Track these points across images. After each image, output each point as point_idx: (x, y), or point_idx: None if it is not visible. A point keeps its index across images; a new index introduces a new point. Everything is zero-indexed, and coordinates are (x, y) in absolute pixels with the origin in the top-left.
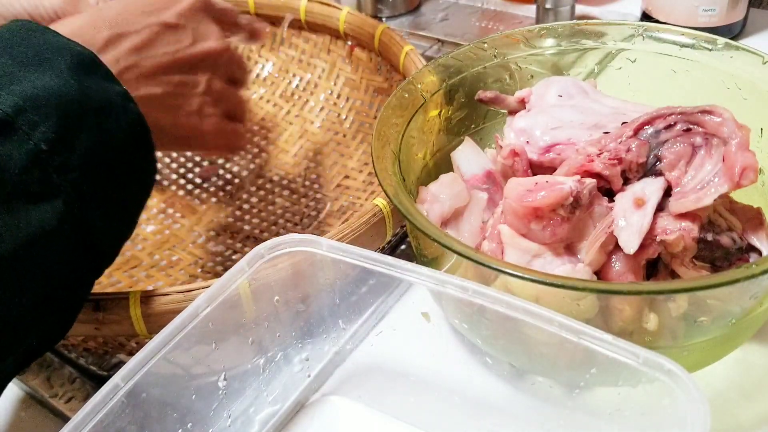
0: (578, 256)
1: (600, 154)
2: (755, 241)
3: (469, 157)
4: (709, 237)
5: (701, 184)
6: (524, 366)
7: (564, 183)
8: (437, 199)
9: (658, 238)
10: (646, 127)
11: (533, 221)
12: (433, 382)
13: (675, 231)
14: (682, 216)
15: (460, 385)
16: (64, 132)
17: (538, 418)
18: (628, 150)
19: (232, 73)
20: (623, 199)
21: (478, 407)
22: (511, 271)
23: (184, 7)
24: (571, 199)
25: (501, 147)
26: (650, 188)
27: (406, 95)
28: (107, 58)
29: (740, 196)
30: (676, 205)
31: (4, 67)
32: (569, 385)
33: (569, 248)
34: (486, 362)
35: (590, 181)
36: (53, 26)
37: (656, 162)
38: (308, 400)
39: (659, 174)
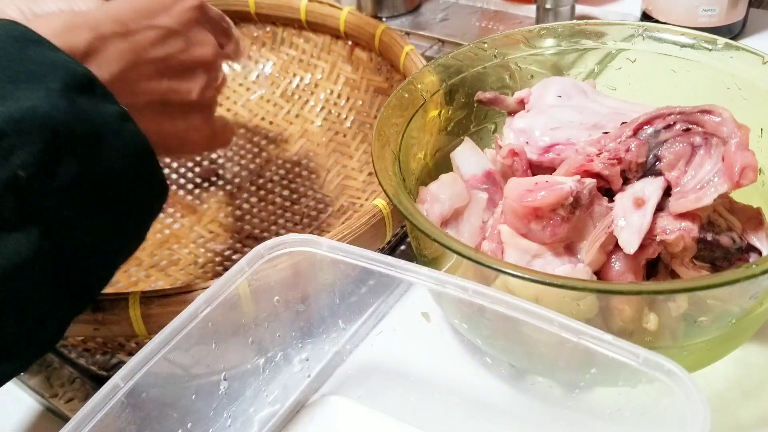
0: (578, 256)
1: (599, 154)
2: (755, 241)
3: (468, 158)
4: (709, 237)
5: (701, 183)
6: (524, 366)
7: (564, 183)
8: (437, 199)
9: (658, 238)
10: (646, 127)
11: (533, 221)
12: (433, 382)
13: (675, 231)
14: (682, 216)
15: (460, 385)
16: (46, 158)
17: (538, 418)
18: (628, 150)
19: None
20: (623, 199)
21: (478, 407)
22: (511, 271)
23: (178, 12)
24: (571, 199)
25: (500, 147)
26: (650, 188)
27: (406, 95)
28: (93, 65)
29: (740, 196)
30: (675, 205)
31: None
32: (569, 385)
33: (569, 248)
34: (486, 362)
35: (590, 181)
36: (35, 23)
37: (656, 162)
38: (308, 400)
39: (659, 174)
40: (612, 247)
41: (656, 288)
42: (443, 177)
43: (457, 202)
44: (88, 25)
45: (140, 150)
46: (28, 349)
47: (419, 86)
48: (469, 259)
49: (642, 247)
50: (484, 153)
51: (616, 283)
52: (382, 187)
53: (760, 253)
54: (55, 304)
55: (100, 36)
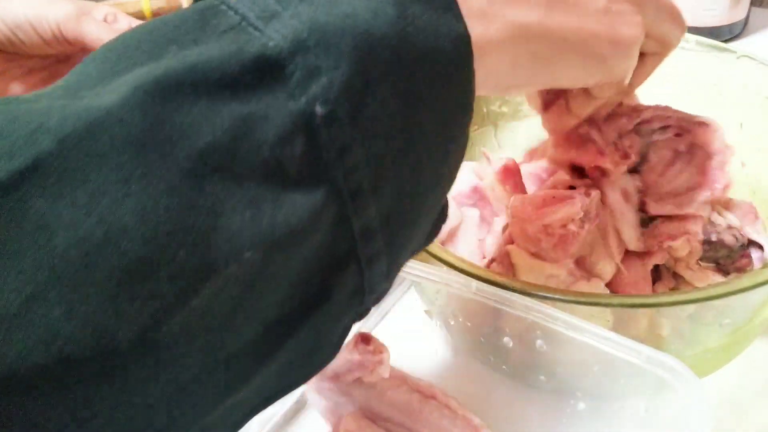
0: (589, 271)
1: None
2: (754, 235)
3: None
4: (713, 237)
5: (676, 191)
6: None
7: (572, 197)
8: None
9: (665, 245)
10: (646, 125)
11: (544, 239)
12: (435, 381)
13: (680, 236)
14: (685, 219)
15: (462, 384)
16: (358, 89)
17: (539, 416)
18: (631, 146)
19: None
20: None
21: (479, 406)
22: (545, 294)
23: None
24: (581, 213)
25: (489, 160)
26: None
27: None
28: None
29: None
30: (654, 207)
31: None
32: (571, 384)
33: (579, 263)
34: (488, 360)
35: (596, 193)
36: None
37: (640, 162)
38: (309, 400)
39: (635, 171)
40: (621, 257)
41: (684, 298)
42: None
43: (451, 222)
44: None
45: (466, 106)
46: (295, 350)
47: None
48: (498, 285)
49: (649, 254)
50: (470, 166)
51: (641, 296)
52: None
53: (761, 246)
54: (333, 294)
55: None
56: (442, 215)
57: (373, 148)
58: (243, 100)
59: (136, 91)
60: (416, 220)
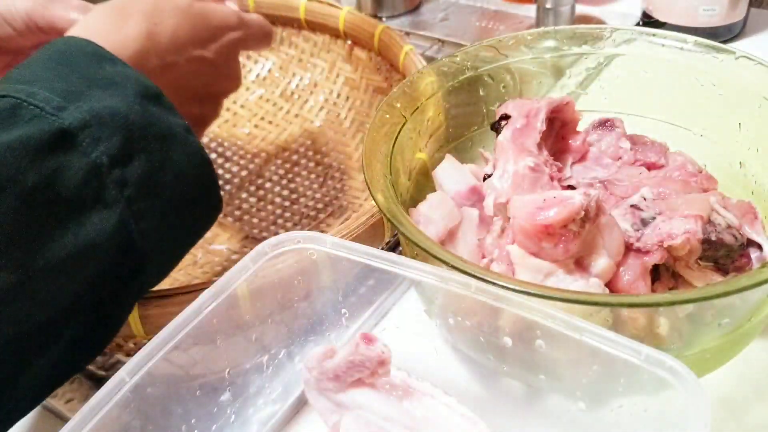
0: (589, 270)
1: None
2: (753, 235)
3: (451, 174)
4: (713, 237)
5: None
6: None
7: (573, 197)
8: (430, 220)
9: (665, 244)
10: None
11: (545, 239)
12: (435, 380)
13: (680, 235)
14: (685, 218)
15: (461, 384)
16: (125, 150)
17: (539, 416)
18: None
19: None
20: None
21: (480, 405)
22: (539, 293)
23: (225, 43)
24: (582, 213)
25: (487, 161)
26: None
27: (387, 116)
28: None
29: (723, 191)
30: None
31: (75, 84)
32: (571, 383)
33: (579, 263)
34: (488, 360)
35: (595, 193)
36: (115, 46)
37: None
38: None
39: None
40: (621, 258)
41: (683, 297)
42: (431, 197)
43: (451, 222)
44: (158, 51)
45: (202, 162)
46: (86, 329)
47: (398, 105)
48: (495, 284)
49: (648, 253)
50: (466, 168)
51: (642, 295)
52: (392, 223)
53: (760, 247)
54: (122, 291)
55: (164, 65)
56: (209, 210)
57: (144, 184)
58: (52, 159)
59: None
60: (180, 225)
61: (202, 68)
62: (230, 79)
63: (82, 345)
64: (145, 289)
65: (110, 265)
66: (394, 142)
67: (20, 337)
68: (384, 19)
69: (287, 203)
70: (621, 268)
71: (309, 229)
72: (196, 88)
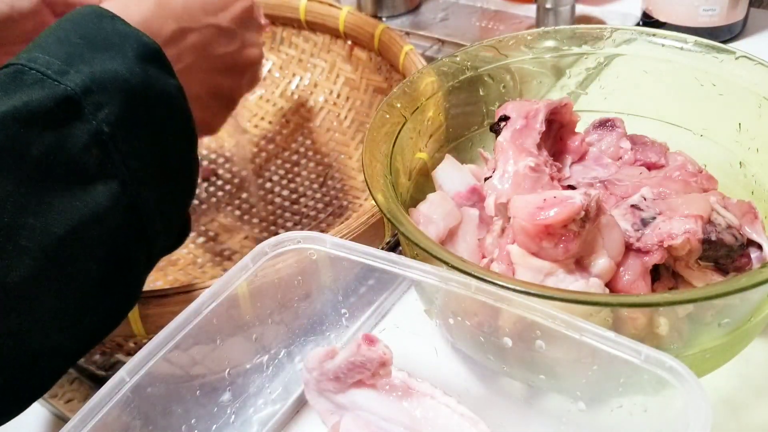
0: (589, 270)
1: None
2: (753, 235)
3: (451, 175)
4: (713, 237)
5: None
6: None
7: (573, 197)
8: (431, 220)
9: (665, 244)
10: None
11: (545, 239)
12: (435, 379)
13: (680, 235)
14: (685, 218)
15: (461, 384)
16: (126, 116)
17: (539, 416)
18: None
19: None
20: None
21: (480, 405)
22: (539, 293)
23: (237, 12)
24: (583, 213)
25: (487, 161)
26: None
27: (387, 116)
28: (171, 53)
29: (723, 191)
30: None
31: (76, 47)
32: (571, 383)
33: (579, 263)
34: (488, 360)
35: (595, 193)
36: (122, 13)
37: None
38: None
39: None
40: (621, 258)
41: (683, 297)
42: (431, 197)
43: (451, 221)
44: (173, 16)
45: (189, 124)
46: (107, 299)
47: (398, 105)
48: (495, 284)
49: (648, 253)
50: (466, 168)
51: (643, 295)
52: (394, 225)
53: (760, 246)
54: (134, 255)
55: (181, 29)
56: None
57: (143, 150)
58: (57, 127)
59: None
60: (176, 192)
61: (219, 37)
62: (251, 47)
63: (104, 317)
64: (156, 258)
65: (118, 232)
66: (394, 142)
67: (54, 312)
68: (384, 19)
69: (287, 203)
70: (621, 268)
71: (309, 229)
72: (218, 57)
